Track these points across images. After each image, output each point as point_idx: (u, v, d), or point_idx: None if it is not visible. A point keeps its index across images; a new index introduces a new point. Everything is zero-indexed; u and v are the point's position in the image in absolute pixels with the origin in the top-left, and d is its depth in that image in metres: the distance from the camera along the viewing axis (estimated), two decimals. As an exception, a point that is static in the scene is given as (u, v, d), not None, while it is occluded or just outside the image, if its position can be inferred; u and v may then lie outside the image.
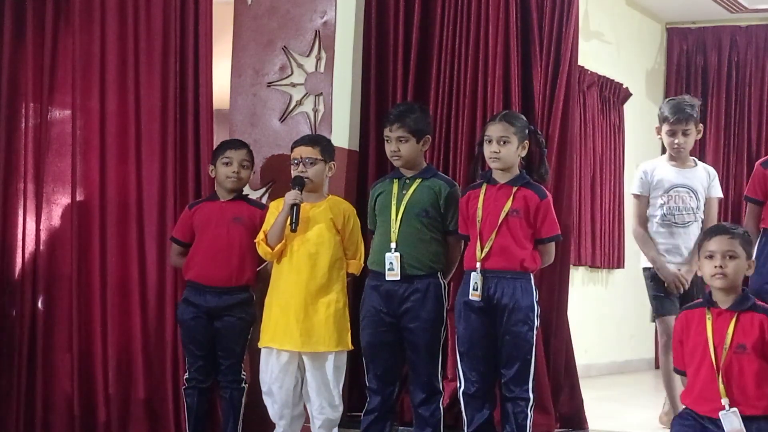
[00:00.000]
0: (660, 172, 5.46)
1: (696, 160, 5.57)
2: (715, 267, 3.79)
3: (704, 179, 5.47)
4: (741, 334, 3.77)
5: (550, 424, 5.23)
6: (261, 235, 4.86)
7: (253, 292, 5.05)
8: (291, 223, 4.72)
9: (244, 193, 5.14)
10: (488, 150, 4.57)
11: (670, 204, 5.45)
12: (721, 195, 5.55)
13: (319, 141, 4.93)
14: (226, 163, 5.00)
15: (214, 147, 5.21)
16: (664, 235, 5.46)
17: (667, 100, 5.59)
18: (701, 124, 5.53)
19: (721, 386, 3.74)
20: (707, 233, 3.94)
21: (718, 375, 3.74)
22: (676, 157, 5.46)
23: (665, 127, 5.43)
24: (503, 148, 4.54)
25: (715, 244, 3.83)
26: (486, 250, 4.52)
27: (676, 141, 5.40)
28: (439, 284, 4.70)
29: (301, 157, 4.85)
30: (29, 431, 5.40)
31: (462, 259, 4.69)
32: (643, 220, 5.48)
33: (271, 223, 4.83)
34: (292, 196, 4.75)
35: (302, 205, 4.78)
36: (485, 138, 4.60)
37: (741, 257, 3.82)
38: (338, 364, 4.83)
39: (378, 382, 4.74)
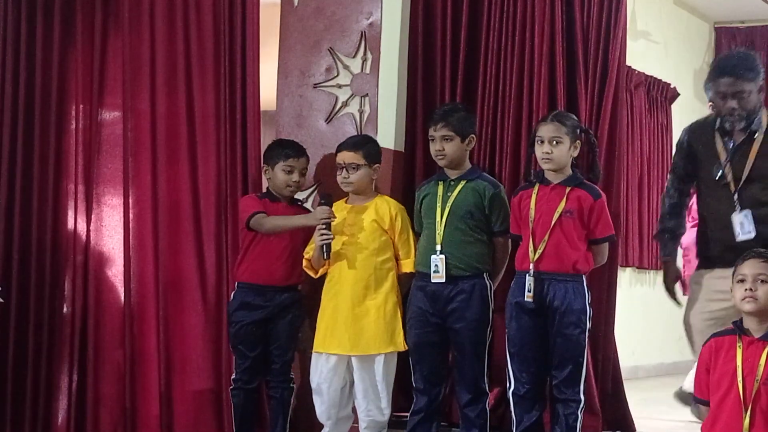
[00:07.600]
0: None
1: None
2: (746, 290, 3.60)
3: None
4: None
5: (598, 426, 5.21)
6: (306, 258, 4.94)
7: (302, 292, 5.09)
8: (325, 259, 4.82)
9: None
10: (540, 150, 4.54)
11: None
12: None
13: (361, 145, 4.93)
14: (288, 171, 5.02)
15: (263, 148, 5.23)
16: None
17: None
18: None
19: (746, 420, 3.54)
20: (741, 258, 3.74)
21: (745, 408, 3.55)
22: None
23: None
24: (555, 148, 4.51)
25: (747, 268, 3.65)
26: (539, 251, 4.50)
27: None
28: (484, 285, 4.69)
29: (345, 163, 4.87)
30: (80, 425, 5.47)
31: (512, 260, 4.68)
32: None
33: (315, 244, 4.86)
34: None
35: (350, 206, 4.87)
36: (537, 138, 4.57)
37: None
38: (388, 365, 4.82)
39: (424, 382, 4.75)
